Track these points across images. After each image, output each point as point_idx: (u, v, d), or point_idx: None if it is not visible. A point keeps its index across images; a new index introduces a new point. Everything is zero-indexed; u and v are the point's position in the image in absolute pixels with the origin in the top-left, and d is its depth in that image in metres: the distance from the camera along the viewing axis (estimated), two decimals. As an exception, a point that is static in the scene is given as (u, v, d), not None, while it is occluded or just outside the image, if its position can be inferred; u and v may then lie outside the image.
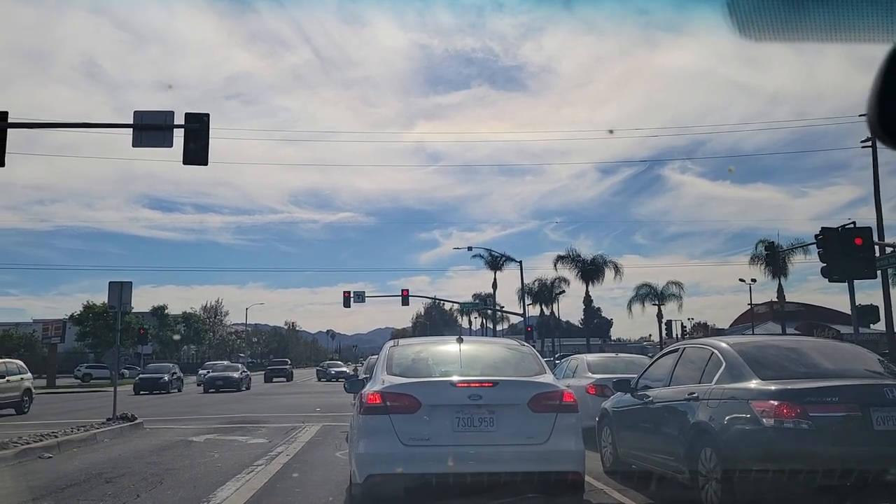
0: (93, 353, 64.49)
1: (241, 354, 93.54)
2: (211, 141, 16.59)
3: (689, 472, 6.73)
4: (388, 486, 6.07)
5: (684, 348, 8.23)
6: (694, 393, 6.95)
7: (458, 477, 6.02)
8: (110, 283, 17.59)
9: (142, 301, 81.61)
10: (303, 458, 10.86)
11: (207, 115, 16.76)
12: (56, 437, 12.61)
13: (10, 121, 16.36)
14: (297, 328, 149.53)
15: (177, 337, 73.50)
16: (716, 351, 7.14)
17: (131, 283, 17.80)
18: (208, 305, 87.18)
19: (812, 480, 5.72)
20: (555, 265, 65.27)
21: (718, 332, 65.45)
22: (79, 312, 62.26)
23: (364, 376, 12.96)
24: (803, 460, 5.68)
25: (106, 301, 19.95)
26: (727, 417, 6.28)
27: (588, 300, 65.63)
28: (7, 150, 15.91)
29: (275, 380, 54.71)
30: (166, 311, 73.97)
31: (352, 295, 51.01)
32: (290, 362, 64.12)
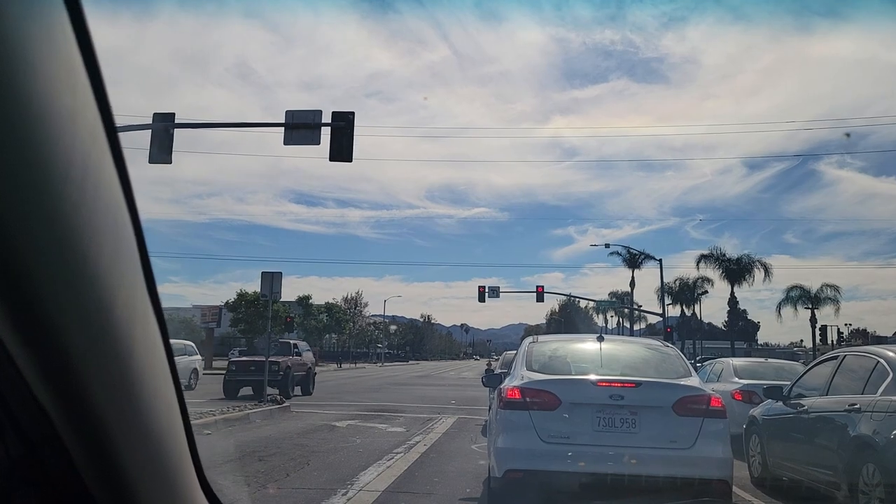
0: (244, 338, 68.73)
1: (379, 345, 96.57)
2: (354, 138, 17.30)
3: (847, 487, 6.29)
4: (525, 481, 6.07)
5: (844, 356, 7.69)
6: (855, 404, 6.49)
7: (597, 477, 5.93)
8: (263, 272, 18.68)
9: (288, 290, 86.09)
10: (439, 448, 11.09)
11: (353, 114, 17.43)
12: (214, 415, 13.59)
13: (176, 121, 17.80)
14: (433, 321, 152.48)
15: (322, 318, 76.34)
16: (881, 360, 6.63)
17: (281, 273, 18.82)
18: (349, 296, 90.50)
19: None
20: (697, 264, 62.66)
21: (879, 340, 60.45)
22: (233, 300, 66.48)
23: (501, 371, 13.05)
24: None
25: (257, 290, 21.22)
26: (894, 432, 5.81)
27: (733, 301, 62.56)
28: (174, 148, 17.33)
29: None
30: (310, 301, 77.49)
31: (486, 290, 51.21)
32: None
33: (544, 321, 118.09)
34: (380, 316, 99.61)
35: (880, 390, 6.31)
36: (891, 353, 6.69)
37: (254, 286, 58.38)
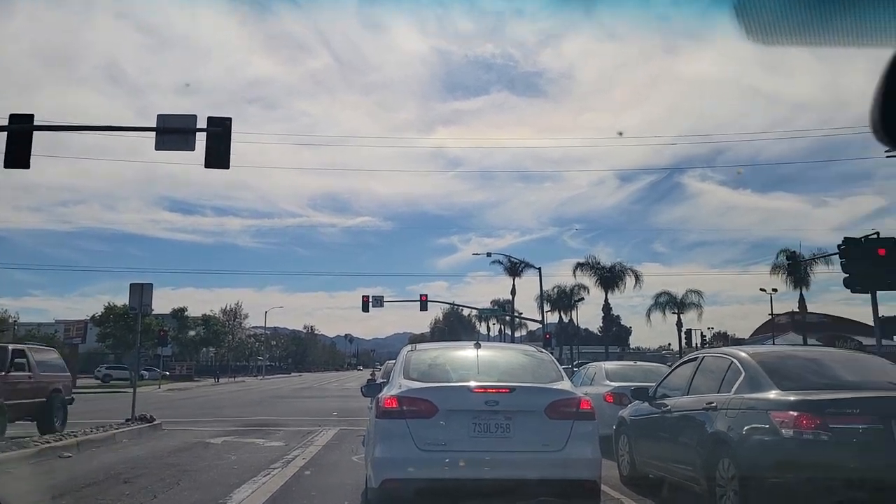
0: (113, 353, 65.11)
1: (260, 358, 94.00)
2: (232, 144, 16.78)
3: (706, 482, 6.67)
4: (403, 490, 6.06)
5: (703, 357, 8.16)
6: (712, 402, 6.89)
7: (473, 483, 6.01)
8: (131, 284, 17.76)
9: (162, 303, 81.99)
10: (319, 461, 10.90)
11: (230, 119, 16.90)
12: (76, 436, 12.75)
13: (35, 123, 16.63)
14: (316, 332, 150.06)
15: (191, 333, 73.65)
16: (735, 360, 7.08)
17: (152, 284, 17.96)
18: (227, 308, 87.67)
19: (831, 492, 5.64)
20: (574, 272, 65.15)
21: (738, 342, 64.84)
22: (100, 313, 62.89)
23: (382, 381, 12.98)
24: (822, 472, 5.59)
25: (127, 302, 20.14)
26: (746, 428, 6.21)
27: (607, 308, 65.40)
28: (32, 152, 16.17)
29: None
30: (186, 314, 74.48)
31: (370, 299, 51.04)
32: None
33: (429, 330, 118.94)
34: (261, 328, 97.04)
35: (734, 389, 6.73)
36: (743, 354, 7.16)
37: (123, 299, 55.66)
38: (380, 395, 6.58)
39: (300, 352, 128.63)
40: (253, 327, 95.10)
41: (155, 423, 16.10)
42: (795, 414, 5.78)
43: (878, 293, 18.68)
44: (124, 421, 15.95)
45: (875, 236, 18.65)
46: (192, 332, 73.30)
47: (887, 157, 31.63)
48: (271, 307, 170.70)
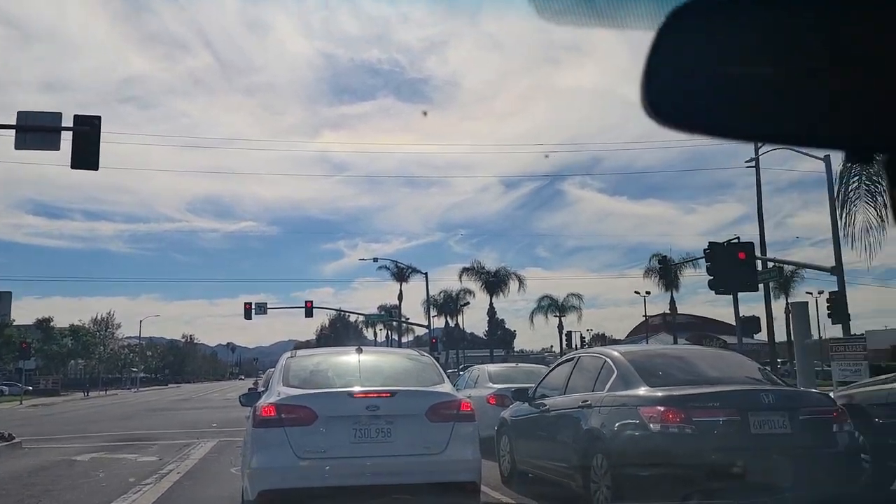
0: (-33, 368, 60.15)
1: (134, 369, 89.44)
2: (103, 145, 15.95)
3: (581, 477, 6.90)
4: (282, 501, 5.92)
5: (579, 357, 8.45)
6: (587, 401, 7.14)
7: (354, 489, 5.95)
8: (-13, 293, 16.48)
9: (24, 313, 76.77)
10: (195, 475, 10.48)
11: (98, 118, 16.08)
12: (-79, 459, 11.67)
13: None
14: (196, 341, 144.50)
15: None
16: (608, 359, 7.37)
17: (10, 293, 17.00)
18: (98, 318, 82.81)
19: (695, 481, 5.97)
20: (460, 277, 66.02)
21: (616, 343, 67.71)
22: (-48, 325, 57.98)
23: (262, 389, 12.65)
24: (687, 462, 5.92)
25: (-18, 313, 18.70)
26: (617, 424, 6.48)
27: (492, 312, 66.72)
28: None
29: None
30: (52, 324, 69.89)
31: (253, 306, 49.66)
32: None
33: (314, 336, 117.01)
34: (135, 338, 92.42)
35: (607, 387, 7.00)
36: (616, 353, 7.47)
37: (-21, 309, 51.62)
38: (257, 404, 6.40)
39: (178, 362, 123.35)
40: (127, 337, 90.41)
41: (14, 441, 14.98)
42: (662, 409, 6.09)
43: (739, 294, 20.00)
44: (-22, 440, 14.74)
45: (736, 241, 19.97)
46: (57, 346, 68.84)
47: (747, 166, 33.99)
48: (147, 316, 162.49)
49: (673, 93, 0.83)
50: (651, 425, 6.08)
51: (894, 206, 0.85)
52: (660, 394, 6.31)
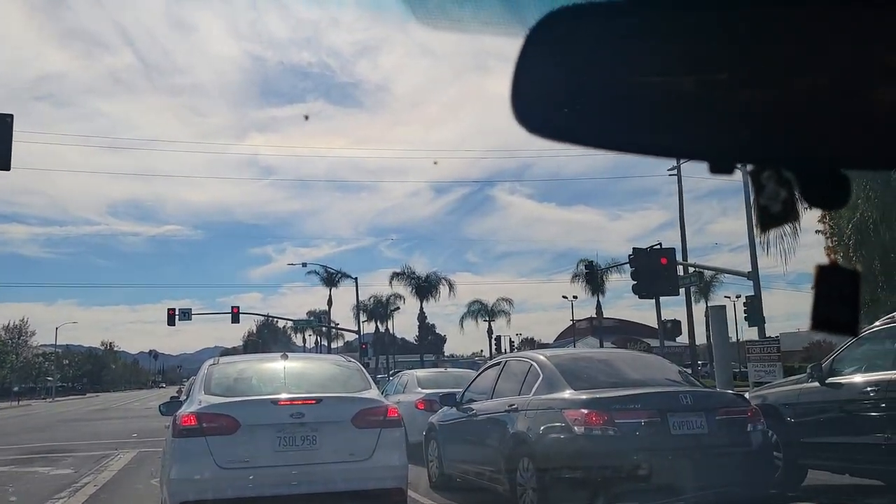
0: None
1: (49, 378, 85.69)
2: (15, 144, 15.21)
3: (508, 481, 6.95)
4: None
5: (506, 361, 8.53)
6: (514, 404, 7.21)
7: (278, 499, 5.84)
8: None
9: (-74, 320, 72.51)
10: (112, 487, 10.09)
11: (11, 116, 15.29)
12: None
13: None
14: (116, 348, 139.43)
15: None
16: (534, 363, 7.46)
17: (-88, 299, 15.79)
18: (11, 325, 79.03)
19: (617, 481, 6.11)
20: (390, 282, 65.73)
21: (544, 346, 68.72)
22: None
23: (184, 398, 12.29)
24: (610, 463, 6.05)
25: None
26: (543, 427, 6.56)
27: (422, 317, 66.68)
28: None
29: None
30: (-41, 332, 66.36)
31: (177, 312, 48.24)
32: None
33: (241, 343, 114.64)
34: (51, 346, 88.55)
35: (533, 390, 7.09)
36: (542, 357, 7.57)
37: None
38: (177, 413, 6.22)
39: (97, 370, 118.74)
40: (42, 345, 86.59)
41: (-86, 456, 14.10)
42: (586, 411, 6.20)
43: (662, 298, 20.58)
44: None
45: (658, 247, 20.55)
46: None
47: (669, 174, 35.07)
48: (63, 323, 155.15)
49: (539, 102, 0.84)
50: (575, 428, 6.18)
51: (760, 213, 0.88)
52: (584, 396, 6.42)
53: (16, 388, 73.09)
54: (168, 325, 47.74)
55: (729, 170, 0.86)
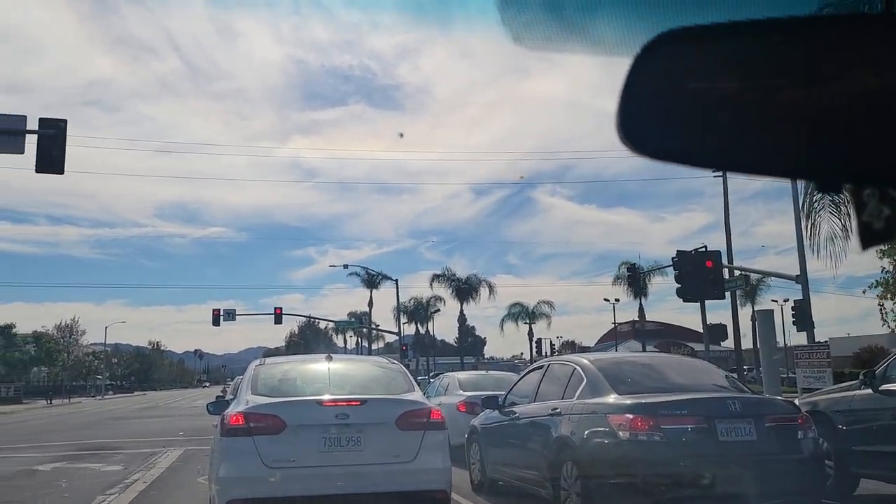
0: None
1: (99, 376, 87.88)
2: (68, 149, 15.69)
3: (551, 485, 6.92)
4: None
5: (549, 365, 8.48)
6: (557, 408, 7.17)
7: (323, 499, 5.90)
8: (-53, 299, 16.07)
9: (-16, 319, 74.86)
10: (161, 484, 10.30)
11: (65, 122, 15.82)
12: None
13: None
14: (163, 348, 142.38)
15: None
16: (577, 367, 7.40)
17: (-29, 299, 16.34)
18: (62, 324, 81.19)
19: (663, 489, 6.03)
20: (430, 284, 65.93)
21: (585, 350, 68.13)
22: None
23: (230, 397, 12.48)
24: (656, 470, 5.97)
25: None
26: (587, 431, 6.51)
27: (462, 319, 66.70)
28: None
29: None
30: (14, 330, 68.42)
31: (221, 313, 49.08)
32: None
33: (284, 343, 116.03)
34: (100, 344, 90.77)
35: (577, 395, 7.04)
36: (585, 361, 7.51)
37: (-62, 315, 50.27)
38: (225, 412, 6.32)
39: (144, 369, 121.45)
40: (92, 344, 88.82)
41: (-27, 451, 14.59)
42: (631, 416, 6.13)
43: (707, 302, 20.24)
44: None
45: (703, 250, 20.23)
46: (19, 353, 67.35)
47: (714, 176, 34.51)
48: (112, 322, 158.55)
49: (647, 123, 0.84)
50: (620, 433, 6.11)
51: (861, 232, 0.87)
52: (628, 401, 6.35)
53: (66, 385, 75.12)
54: (213, 325, 48.64)
55: (838, 189, 0.85)
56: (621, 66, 0.78)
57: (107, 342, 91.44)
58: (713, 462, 6.08)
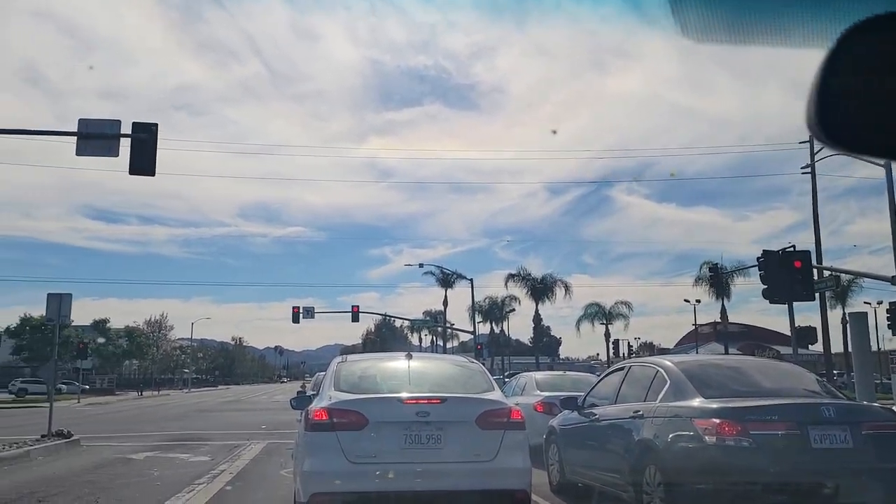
0: (29, 367, 62.23)
1: (186, 370, 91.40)
2: (158, 151, 16.34)
3: (633, 489, 6.79)
4: None
5: (630, 367, 8.33)
6: (639, 411, 7.03)
7: (404, 494, 5.97)
8: (49, 294, 17.02)
9: (82, 314, 78.81)
10: (246, 476, 10.64)
11: (156, 125, 16.45)
12: (-14, 454, 12.10)
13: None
14: (245, 344, 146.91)
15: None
16: (661, 369, 7.24)
17: (71, 295, 17.26)
18: (152, 319, 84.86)
19: (752, 497, 5.83)
20: (505, 283, 65.71)
21: (664, 352, 66.69)
22: (15, 325, 60.12)
23: (312, 393, 12.76)
24: (744, 477, 5.78)
25: (44, 314, 19.29)
26: (671, 435, 6.36)
27: (538, 319, 66.20)
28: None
29: None
30: (108, 325, 71.88)
31: (301, 310, 50.28)
32: None
33: (360, 341, 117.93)
34: (187, 339, 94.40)
35: (660, 397, 6.89)
36: (668, 363, 7.33)
37: (40, 310, 53.27)
38: (309, 408, 6.47)
39: (228, 364, 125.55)
40: (179, 339, 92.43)
41: (73, 438, 15.42)
42: (718, 421, 5.95)
43: (794, 304, 19.49)
44: (39, 437, 15.22)
45: (791, 249, 19.46)
46: (113, 347, 70.66)
47: (802, 173, 33.15)
48: (198, 318, 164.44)
49: (845, 117, 0.81)
50: (706, 438, 5.95)
51: None
52: (715, 405, 6.17)
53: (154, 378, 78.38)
54: (293, 322, 49.92)
55: None
56: (808, 59, 0.76)
57: (193, 337, 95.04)
58: (805, 470, 5.85)
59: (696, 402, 6.37)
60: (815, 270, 21.30)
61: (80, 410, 35.25)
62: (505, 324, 74.03)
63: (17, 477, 10.70)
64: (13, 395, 55.39)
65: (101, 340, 68.52)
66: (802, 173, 33.28)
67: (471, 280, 56.03)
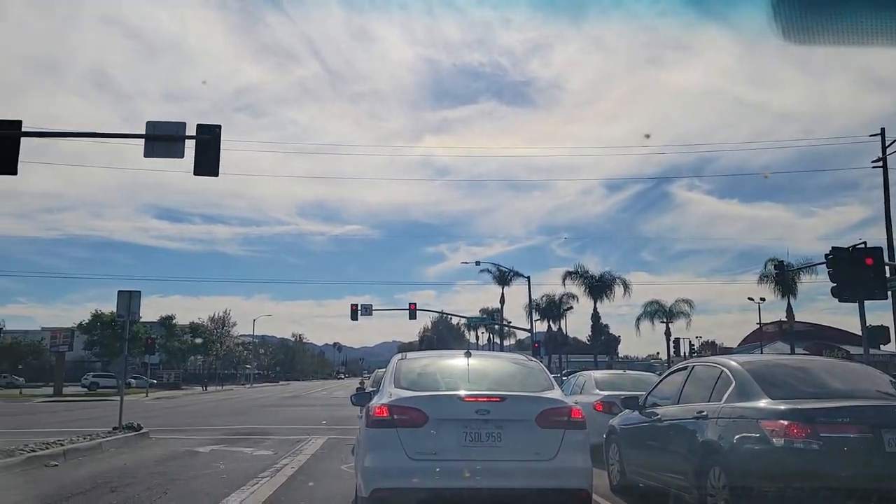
0: (100, 361, 64.61)
1: (248, 366, 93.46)
2: (221, 152, 16.74)
3: (696, 490, 6.66)
4: (393, 500, 6.01)
5: (693, 366, 8.17)
6: (703, 411, 6.89)
7: (464, 492, 5.97)
8: (119, 291, 17.65)
9: (149, 311, 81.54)
10: (308, 470, 10.83)
11: (219, 127, 16.85)
12: (62, 445, 12.61)
13: (23, 129, 16.52)
14: (305, 340, 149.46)
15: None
16: (725, 369, 7.09)
17: (140, 292, 17.87)
18: (216, 316, 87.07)
19: (822, 502, 5.65)
20: (563, 281, 65.07)
21: (726, 351, 65.05)
22: (87, 321, 62.40)
23: (371, 389, 12.91)
24: (813, 481, 5.60)
25: (114, 310, 20.03)
26: (736, 436, 6.22)
27: (596, 316, 65.35)
28: (20, 158, 16.06)
29: None
30: (174, 321, 74.07)
31: (359, 308, 50.90)
32: None
33: (417, 338, 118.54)
34: (249, 336, 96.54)
35: (724, 398, 6.73)
36: (733, 363, 7.17)
37: (111, 307, 55.23)
38: (370, 404, 6.54)
39: (288, 360, 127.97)
40: (241, 335, 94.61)
41: (142, 431, 15.96)
42: (786, 423, 5.79)
43: (865, 302, 18.77)
44: (111, 429, 15.82)
45: (862, 245, 18.74)
46: (178, 342, 72.72)
47: (873, 166, 31.89)
48: (259, 315, 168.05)
49: None
50: (774, 440, 5.79)
51: None
52: (783, 406, 6.00)
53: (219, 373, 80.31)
54: (351, 319, 50.58)
55: None
56: (878, 53, 0.74)
57: (254, 334, 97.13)
58: (879, 475, 5.64)
59: (763, 402, 6.21)
60: (887, 268, 20.46)
61: (149, 404, 36.44)
62: (562, 322, 73.49)
63: (91, 468, 11.13)
64: (85, 389, 57.70)
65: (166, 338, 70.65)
66: (873, 167, 32.02)
67: (528, 277, 55.76)
